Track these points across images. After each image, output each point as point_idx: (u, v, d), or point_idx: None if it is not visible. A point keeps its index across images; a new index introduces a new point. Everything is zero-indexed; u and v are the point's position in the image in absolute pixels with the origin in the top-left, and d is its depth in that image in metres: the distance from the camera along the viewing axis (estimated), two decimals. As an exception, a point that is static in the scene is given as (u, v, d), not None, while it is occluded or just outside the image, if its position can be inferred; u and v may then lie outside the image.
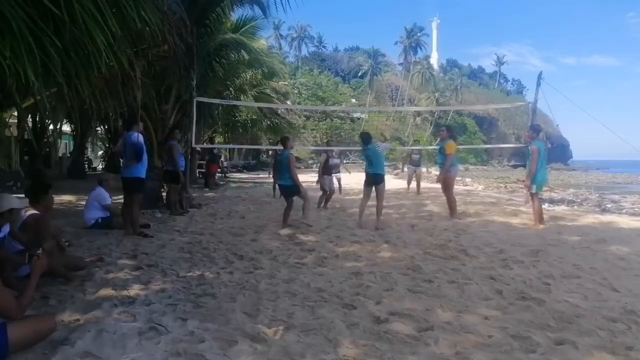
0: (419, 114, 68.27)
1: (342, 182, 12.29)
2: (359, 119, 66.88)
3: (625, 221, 7.86)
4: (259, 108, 19.16)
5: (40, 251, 2.86)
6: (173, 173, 8.10)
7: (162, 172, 8.79)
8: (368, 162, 7.07)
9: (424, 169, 13.66)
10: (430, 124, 69.61)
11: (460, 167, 54.31)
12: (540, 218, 7.09)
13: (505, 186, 20.79)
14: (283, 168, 6.90)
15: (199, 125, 12.63)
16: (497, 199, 12.09)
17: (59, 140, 20.38)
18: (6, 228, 3.32)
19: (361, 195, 7.39)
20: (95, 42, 3.12)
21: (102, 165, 24.98)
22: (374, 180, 6.97)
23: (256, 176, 24.49)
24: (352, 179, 14.53)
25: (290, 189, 6.83)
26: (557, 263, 4.64)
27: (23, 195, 4.07)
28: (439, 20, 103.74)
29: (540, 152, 6.97)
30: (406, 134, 66.97)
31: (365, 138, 7.23)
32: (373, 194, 7.08)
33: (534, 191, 7.07)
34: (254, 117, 20.23)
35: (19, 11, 2.72)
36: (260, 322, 2.91)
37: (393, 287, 3.73)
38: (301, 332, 2.78)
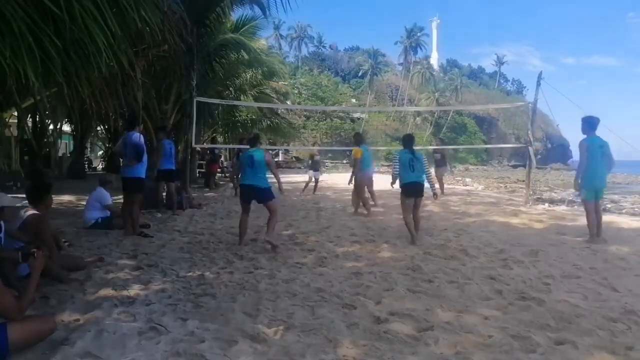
0: (419, 114, 68.31)
1: (318, 182, 12.91)
2: (359, 119, 66.91)
3: (625, 221, 7.86)
4: (259, 108, 19.16)
5: (35, 250, 2.85)
6: (170, 172, 8.17)
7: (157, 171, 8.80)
8: (409, 168, 5.85)
9: (448, 168, 13.01)
10: (430, 124, 69.65)
11: (461, 166, 54.52)
12: (594, 230, 5.84)
13: (505, 186, 20.82)
14: (258, 166, 5.35)
15: (198, 125, 12.65)
16: (497, 199, 12.09)
17: (59, 140, 20.34)
18: (1, 226, 3.32)
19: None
20: (95, 42, 3.12)
21: (102, 165, 24.97)
22: (418, 190, 5.92)
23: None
24: (340, 179, 14.57)
25: (265, 193, 5.41)
26: (557, 263, 4.65)
27: (22, 196, 4.07)
28: (439, 20, 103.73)
29: (590, 149, 5.81)
30: (406, 134, 66.92)
31: (409, 140, 6.16)
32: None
33: (583, 197, 6.03)
34: (254, 117, 20.22)
35: (19, 11, 2.72)
36: (260, 322, 2.91)
37: (393, 287, 3.73)
38: (301, 332, 2.78)
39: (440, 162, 12.01)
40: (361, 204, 8.42)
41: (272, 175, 5.59)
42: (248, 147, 5.71)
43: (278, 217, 5.56)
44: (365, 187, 8.55)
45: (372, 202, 8.70)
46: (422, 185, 5.97)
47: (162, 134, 8.68)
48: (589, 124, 6.01)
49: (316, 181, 12.69)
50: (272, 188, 5.50)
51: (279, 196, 5.99)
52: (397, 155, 6.15)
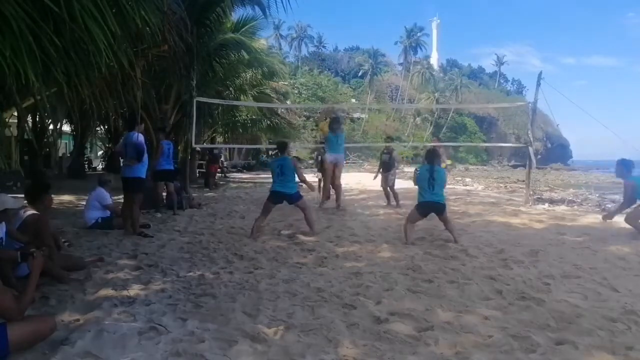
0: (419, 113, 68.30)
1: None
2: (358, 118, 66.97)
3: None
4: (259, 108, 19.15)
5: (34, 250, 2.86)
6: (169, 172, 8.20)
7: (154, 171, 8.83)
8: (428, 185, 5.62)
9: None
10: (430, 124, 69.67)
11: (461, 166, 54.57)
12: None
13: (505, 186, 20.80)
14: (288, 173, 6.15)
15: (198, 125, 12.64)
16: (497, 199, 12.09)
17: (59, 140, 20.34)
18: (3, 228, 3.32)
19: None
20: (95, 42, 3.11)
21: (102, 165, 24.97)
22: (435, 209, 5.71)
23: (256, 176, 24.48)
24: (351, 179, 14.52)
25: (295, 197, 6.19)
26: (557, 263, 4.64)
27: (21, 196, 4.08)
28: (439, 20, 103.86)
29: (637, 188, 6.15)
30: (406, 134, 67.04)
31: (433, 156, 5.85)
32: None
33: None
34: (254, 117, 20.21)
35: (19, 11, 2.72)
36: (260, 322, 2.91)
37: (393, 287, 3.73)
38: (301, 332, 2.78)
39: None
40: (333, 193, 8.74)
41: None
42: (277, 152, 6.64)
43: (311, 212, 6.41)
44: (332, 174, 8.65)
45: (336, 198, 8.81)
46: (441, 205, 5.68)
47: (162, 134, 8.70)
48: (627, 167, 6.47)
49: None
50: (299, 190, 6.31)
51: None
52: (418, 170, 6.00)
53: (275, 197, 6.23)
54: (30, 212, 3.85)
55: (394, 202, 9.53)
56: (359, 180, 16.61)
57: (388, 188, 9.68)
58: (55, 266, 3.70)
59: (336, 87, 76.06)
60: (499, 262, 4.68)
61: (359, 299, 3.40)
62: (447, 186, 14.35)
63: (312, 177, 12.97)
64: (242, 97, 17.48)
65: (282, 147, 6.53)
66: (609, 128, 10.31)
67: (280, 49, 68.92)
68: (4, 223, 3.32)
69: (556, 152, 78.85)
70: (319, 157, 12.57)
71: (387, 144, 11.41)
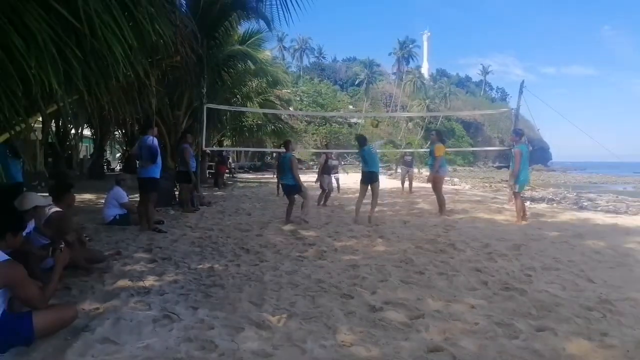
0: (410, 119, 68.30)
1: (340, 182, 12.46)
2: (355, 123, 66.98)
3: (600, 218, 7.86)
4: (263, 114, 19.14)
5: (63, 245, 2.87)
6: (185, 173, 8.11)
7: (175, 172, 8.83)
8: (363, 162, 7.15)
9: (415, 170, 13.51)
10: (421, 129, 69.65)
11: (449, 168, 54.48)
12: (522, 215, 7.12)
13: (490, 186, 20.77)
14: (286, 169, 7.00)
15: (208, 129, 12.63)
16: (483, 198, 12.08)
17: (80, 144, 20.34)
18: (31, 224, 3.33)
19: (357, 194, 7.41)
20: (113, 53, 3.11)
21: (119, 166, 24.96)
22: (370, 178, 7.02)
23: (261, 176, 24.48)
24: (349, 179, 14.51)
25: (292, 188, 6.94)
26: (537, 256, 4.64)
27: (47, 194, 4.09)
28: (429, 33, 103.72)
29: (523, 155, 7.07)
30: (399, 138, 67.05)
31: (361, 140, 7.29)
32: (369, 192, 7.06)
33: (516, 190, 7.16)
34: (259, 122, 20.22)
35: (43, 25, 2.72)
36: (265, 311, 2.91)
37: (387, 279, 3.72)
38: (303, 319, 2.78)
39: (410, 163, 13.29)
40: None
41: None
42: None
43: (309, 203, 7.11)
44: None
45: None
46: (373, 173, 7.02)
47: (189, 136, 8.62)
48: (519, 134, 7.47)
49: (337, 182, 11.83)
50: (299, 185, 6.82)
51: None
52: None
53: (282, 187, 7.39)
54: (54, 209, 3.85)
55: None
56: (356, 180, 16.61)
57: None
58: (80, 259, 3.71)
59: (335, 94, 76.02)
60: (485, 255, 4.68)
61: (356, 289, 3.40)
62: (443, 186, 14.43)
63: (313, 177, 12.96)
64: (248, 104, 17.45)
65: (285, 146, 7.40)
66: (588, 134, 10.36)
67: (284, 59, 69.00)
68: (32, 220, 3.32)
69: (537, 155, 78.55)
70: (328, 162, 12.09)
71: (325, 151, 11.49)
